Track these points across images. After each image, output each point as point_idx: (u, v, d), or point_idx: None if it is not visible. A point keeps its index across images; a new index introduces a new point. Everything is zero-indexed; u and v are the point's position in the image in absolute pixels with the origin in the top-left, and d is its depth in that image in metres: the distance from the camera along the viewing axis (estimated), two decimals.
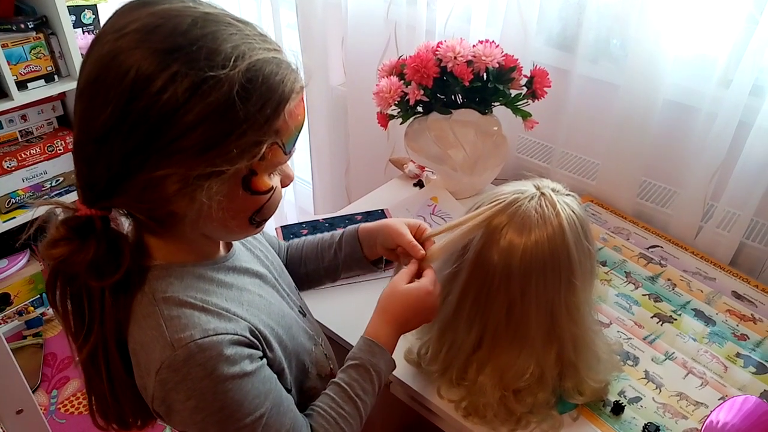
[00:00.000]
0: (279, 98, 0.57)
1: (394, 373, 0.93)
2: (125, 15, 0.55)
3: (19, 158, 1.82)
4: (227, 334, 0.60)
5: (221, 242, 0.72)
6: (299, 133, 0.63)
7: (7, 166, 1.80)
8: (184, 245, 0.65)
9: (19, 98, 1.72)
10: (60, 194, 1.92)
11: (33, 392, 1.69)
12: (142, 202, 0.58)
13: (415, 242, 0.82)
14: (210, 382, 0.58)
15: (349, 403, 0.72)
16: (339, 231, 0.91)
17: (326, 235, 0.93)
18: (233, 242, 0.74)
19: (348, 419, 0.71)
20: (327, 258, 0.91)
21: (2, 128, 1.82)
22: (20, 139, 1.86)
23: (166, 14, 0.54)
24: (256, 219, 0.64)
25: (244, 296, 0.68)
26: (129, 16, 0.54)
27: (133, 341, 0.61)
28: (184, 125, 0.53)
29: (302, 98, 0.62)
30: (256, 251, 0.79)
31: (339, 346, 1.01)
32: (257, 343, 0.64)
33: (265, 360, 0.65)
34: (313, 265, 0.90)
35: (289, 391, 0.70)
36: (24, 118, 1.85)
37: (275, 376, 0.66)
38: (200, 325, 0.60)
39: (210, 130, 0.54)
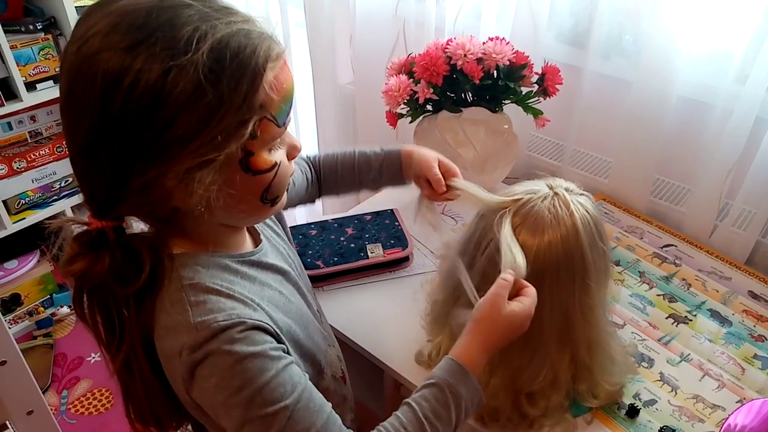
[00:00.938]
0: (253, 72, 0.55)
1: (404, 375, 0.93)
2: (85, 21, 0.54)
3: (29, 159, 1.82)
4: (251, 319, 0.60)
5: (247, 235, 0.71)
6: (290, 101, 0.60)
7: (17, 167, 1.80)
8: (202, 238, 0.64)
9: (28, 99, 1.72)
10: (69, 195, 1.93)
11: (43, 393, 1.70)
12: (144, 206, 0.57)
13: (440, 177, 0.87)
14: (229, 358, 0.57)
15: (415, 424, 0.63)
16: (376, 152, 0.95)
17: (361, 156, 0.95)
18: (262, 239, 0.73)
19: None
20: (365, 180, 0.94)
21: (12, 129, 1.82)
22: (29, 140, 1.86)
23: (122, 11, 0.52)
24: (267, 198, 0.62)
25: (266, 292, 0.67)
26: (88, 22, 0.53)
27: (160, 327, 0.61)
28: (160, 121, 0.52)
29: (285, 64, 0.59)
30: (281, 248, 0.78)
31: (348, 348, 1.01)
32: (279, 336, 0.63)
33: (291, 357, 0.63)
34: (351, 185, 0.95)
35: None
36: (33, 119, 1.85)
37: (306, 376, 0.63)
38: (225, 310, 0.59)
39: (188, 121, 0.52)
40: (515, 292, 0.72)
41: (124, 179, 0.54)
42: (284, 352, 0.63)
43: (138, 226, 0.64)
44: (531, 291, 0.72)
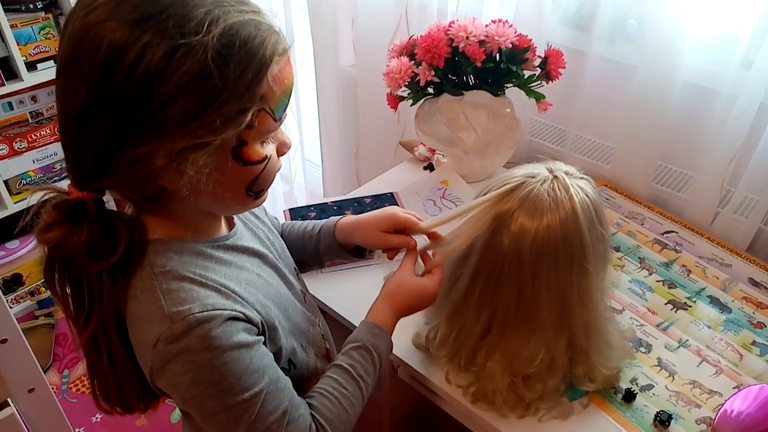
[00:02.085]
0: (260, 62, 0.55)
1: (402, 357, 0.94)
2: None
3: (30, 139, 1.82)
4: (225, 309, 0.60)
5: (223, 220, 0.71)
6: (289, 97, 0.60)
7: (18, 148, 1.80)
8: (182, 222, 0.64)
9: (29, 79, 1.71)
10: None
11: (44, 372, 1.71)
12: (131, 180, 0.56)
13: (404, 238, 0.82)
14: (208, 354, 0.58)
15: (352, 383, 0.72)
16: (321, 222, 0.91)
17: (309, 224, 0.92)
18: (236, 222, 0.73)
19: (351, 399, 0.72)
20: (309, 249, 0.90)
21: (12, 109, 1.81)
22: (31, 121, 1.86)
23: None
24: (253, 190, 0.62)
25: (243, 275, 0.67)
26: None
27: (131, 315, 0.61)
28: (161, 98, 0.51)
29: (288, 61, 0.59)
30: (258, 231, 0.78)
31: (338, 325, 1.01)
32: (255, 320, 0.64)
33: (261, 337, 0.65)
34: (297, 255, 0.89)
35: (285, 370, 0.69)
36: (34, 99, 1.85)
37: (272, 355, 0.66)
38: (199, 300, 0.59)
39: (189, 101, 0.52)
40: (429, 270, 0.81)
41: (114, 151, 0.54)
42: (257, 334, 0.64)
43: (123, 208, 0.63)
44: (438, 272, 0.81)
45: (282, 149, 0.65)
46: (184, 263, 0.62)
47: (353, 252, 0.89)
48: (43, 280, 1.99)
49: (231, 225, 0.72)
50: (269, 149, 0.62)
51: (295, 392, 0.68)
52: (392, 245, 0.83)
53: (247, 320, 0.62)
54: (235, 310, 0.61)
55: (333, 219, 0.90)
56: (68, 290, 0.60)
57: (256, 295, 0.67)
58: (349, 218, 0.88)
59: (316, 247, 0.89)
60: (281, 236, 0.91)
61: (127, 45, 0.50)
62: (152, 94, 0.51)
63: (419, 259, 0.83)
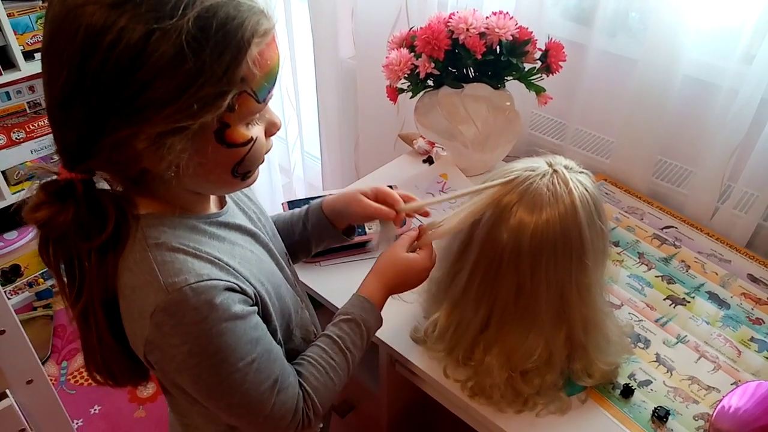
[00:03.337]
0: (238, 44, 0.54)
1: (399, 351, 0.94)
2: None
3: (27, 130, 1.81)
4: (220, 280, 0.60)
5: (212, 198, 0.71)
6: (274, 78, 0.59)
7: (16, 138, 1.79)
8: (171, 201, 0.64)
9: (26, 69, 1.70)
10: None
11: (43, 363, 1.71)
12: (113, 163, 0.57)
13: (383, 208, 0.82)
14: (205, 326, 0.59)
15: (340, 355, 0.74)
16: (305, 209, 0.91)
17: (296, 210, 0.92)
18: (227, 201, 0.73)
19: (337, 369, 0.73)
20: (297, 232, 0.90)
21: (10, 99, 1.80)
22: (28, 111, 1.85)
23: None
24: (239, 171, 0.62)
25: (236, 250, 0.67)
26: None
27: (125, 288, 0.61)
28: (138, 82, 0.51)
29: (273, 41, 0.58)
30: (249, 212, 0.78)
31: (327, 312, 1.01)
32: (249, 292, 0.64)
33: (256, 308, 0.66)
34: (286, 241, 0.89)
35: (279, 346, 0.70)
36: (31, 89, 1.83)
37: (265, 325, 0.67)
38: (194, 270, 0.59)
39: (165, 86, 0.52)
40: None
41: (96, 134, 0.54)
42: (251, 305, 0.65)
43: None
44: (429, 248, 0.82)
45: (271, 129, 0.64)
46: (177, 236, 0.62)
47: (343, 231, 0.89)
48: (41, 271, 1.99)
49: (222, 203, 0.73)
50: (255, 130, 0.61)
51: (286, 362, 0.70)
52: (372, 213, 0.83)
53: (242, 292, 0.63)
54: (230, 282, 0.62)
55: (318, 200, 0.90)
56: (61, 265, 0.61)
57: (249, 269, 0.67)
58: (335, 193, 0.89)
59: (303, 226, 0.89)
60: None
61: (103, 29, 0.50)
62: (129, 79, 0.51)
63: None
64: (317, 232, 0.89)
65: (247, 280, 0.65)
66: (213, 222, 0.67)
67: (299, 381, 0.71)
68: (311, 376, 0.72)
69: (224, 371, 0.62)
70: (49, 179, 0.58)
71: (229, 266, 0.63)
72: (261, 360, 0.64)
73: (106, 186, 0.62)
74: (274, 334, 0.70)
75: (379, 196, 0.84)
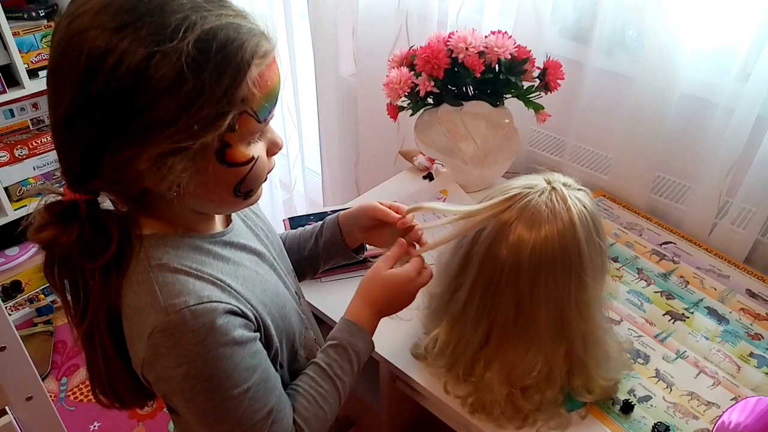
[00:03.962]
0: (238, 66, 0.55)
1: (400, 367, 0.94)
2: None
3: (30, 146, 1.82)
4: (221, 302, 0.60)
5: (218, 217, 0.72)
6: (274, 99, 0.60)
7: (19, 154, 1.81)
8: (173, 221, 0.65)
9: (31, 86, 1.72)
10: None
11: (43, 379, 1.70)
12: (116, 183, 0.57)
13: (388, 209, 0.83)
14: (202, 349, 0.59)
15: (329, 382, 0.73)
16: (319, 224, 0.91)
17: (308, 227, 0.93)
18: (233, 219, 0.73)
19: (327, 398, 0.73)
20: (307, 248, 0.90)
21: (14, 116, 1.82)
22: (32, 128, 1.87)
23: None
24: (241, 190, 0.63)
25: (240, 271, 0.68)
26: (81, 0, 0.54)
27: (128, 308, 0.61)
28: (139, 104, 0.52)
29: (273, 62, 0.59)
30: (257, 229, 0.78)
31: (328, 328, 1.01)
32: (250, 316, 0.64)
33: (257, 334, 0.65)
34: (295, 257, 0.89)
35: (280, 369, 0.70)
36: (35, 106, 1.85)
37: (265, 352, 0.67)
38: (195, 292, 0.60)
39: (166, 107, 0.53)
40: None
41: (99, 155, 0.55)
42: (252, 330, 0.64)
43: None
44: (416, 260, 0.81)
45: (273, 149, 0.65)
46: (180, 257, 0.62)
47: (354, 250, 0.90)
48: (42, 287, 1.99)
49: (228, 222, 0.73)
50: (257, 150, 0.62)
51: (284, 393, 0.69)
52: (378, 216, 0.84)
53: (243, 315, 0.63)
54: (231, 304, 0.62)
55: (333, 215, 0.90)
56: (67, 286, 0.61)
57: (253, 291, 0.67)
58: (347, 210, 0.89)
59: (315, 242, 0.89)
60: None
61: (105, 53, 0.51)
62: (130, 101, 0.52)
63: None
64: (328, 248, 0.89)
65: (249, 303, 0.65)
66: (217, 241, 0.68)
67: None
68: (302, 407, 0.71)
69: (218, 397, 0.61)
70: (53, 200, 0.59)
71: (232, 288, 0.64)
72: (257, 389, 0.64)
73: (110, 206, 0.63)
74: (276, 356, 0.70)
75: (378, 218, 0.85)
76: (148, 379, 0.62)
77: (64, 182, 0.60)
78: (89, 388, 0.69)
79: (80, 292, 0.61)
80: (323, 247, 0.89)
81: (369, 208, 0.85)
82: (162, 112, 0.53)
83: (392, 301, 0.80)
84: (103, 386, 0.67)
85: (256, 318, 0.65)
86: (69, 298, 0.62)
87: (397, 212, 0.85)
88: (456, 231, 0.80)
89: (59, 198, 0.59)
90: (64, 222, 0.58)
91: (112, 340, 0.63)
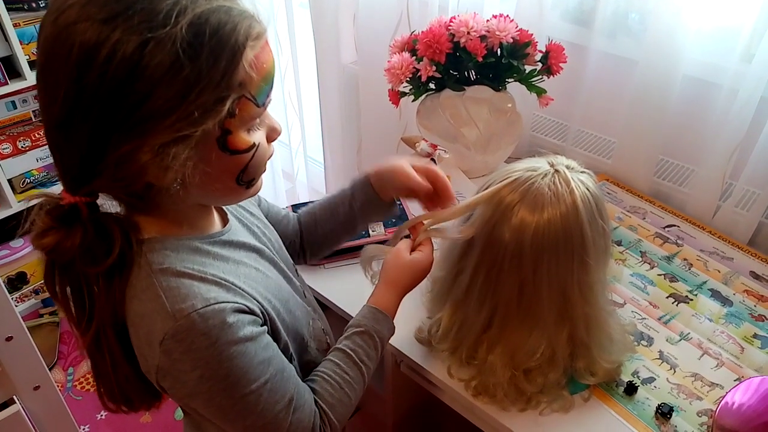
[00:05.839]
0: (233, 49, 0.54)
1: (404, 351, 0.94)
2: None
3: (33, 138, 1.83)
4: (228, 302, 0.60)
5: (216, 217, 0.71)
6: (271, 82, 0.60)
7: (21, 146, 1.81)
8: (175, 219, 0.64)
9: (32, 78, 1.71)
10: None
11: (50, 369, 1.72)
12: (118, 180, 0.55)
13: (424, 183, 0.81)
14: (215, 350, 0.59)
15: (354, 369, 0.74)
16: (348, 186, 0.89)
17: (335, 193, 0.91)
18: (229, 218, 0.73)
19: (352, 384, 0.73)
20: (342, 213, 0.89)
21: (16, 108, 1.82)
22: (34, 119, 1.86)
23: None
24: (243, 179, 0.62)
25: (241, 269, 0.67)
26: None
27: (133, 314, 0.61)
28: (137, 94, 0.51)
29: (267, 44, 0.58)
30: (254, 227, 0.78)
31: (340, 320, 1.02)
32: (257, 312, 0.64)
33: (265, 328, 0.66)
34: (330, 225, 0.89)
35: (291, 362, 0.70)
36: (37, 98, 1.85)
37: (276, 344, 0.67)
38: (201, 295, 0.59)
39: (164, 95, 0.51)
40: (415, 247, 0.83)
41: (99, 153, 0.54)
42: (260, 325, 0.64)
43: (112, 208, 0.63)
44: (429, 243, 0.83)
45: (272, 135, 0.64)
46: (181, 260, 0.62)
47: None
48: None
49: (225, 221, 0.72)
50: (257, 136, 0.61)
51: (300, 380, 0.69)
52: (412, 187, 0.82)
53: (251, 312, 0.63)
54: (238, 303, 0.61)
55: (360, 176, 0.88)
56: (69, 294, 0.60)
57: (256, 287, 0.67)
58: (379, 169, 0.86)
59: (350, 206, 0.87)
60: (299, 223, 0.92)
61: (97, 44, 0.50)
62: (127, 92, 0.51)
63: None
64: (365, 210, 0.87)
65: (254, 299, 0.65)
66: (216, 242, 0.67)
67: (315, 398, 0.70)
68: (326, 393, 0.71)
69: (237, 394, 0.61)
70: (53, 204, 0.57)
71: (236, 286, 0.63)
72: (274, 380, 0.64)
73: (108, 210, 0.62)
74: (285, 350, 0.70)
75: (429, 175, 0.82)
76: (164, 386, 0.62)
77: (61, 185, 0.58)
78: None
79: (84, 300, 0.60)
80: (360, 210, 0.87)
81: (403, 175, 0.82)
82: (161, 100, 0.51)
83: (414, 284, 0.82)
84: (113, 392, 0.67)
85: (262, 313, 0.65)
86: (72, 307, 0.61)
87: (427, 175, 0.82)
88: (459, 210, 0.81)
89: (58, 202, 0.57)
90: (66, 226, 0.57)
91: (120, 344, 0.62)
